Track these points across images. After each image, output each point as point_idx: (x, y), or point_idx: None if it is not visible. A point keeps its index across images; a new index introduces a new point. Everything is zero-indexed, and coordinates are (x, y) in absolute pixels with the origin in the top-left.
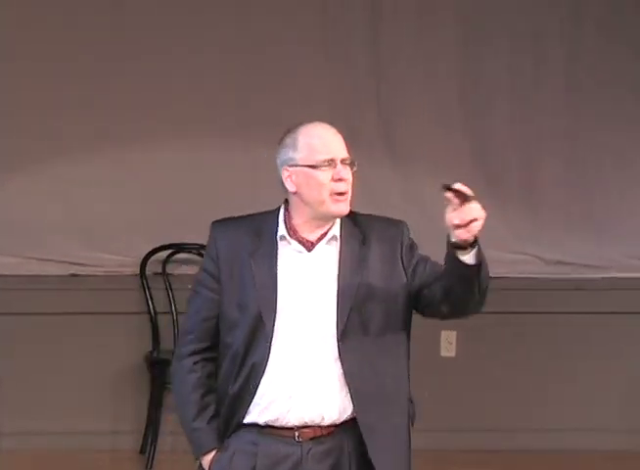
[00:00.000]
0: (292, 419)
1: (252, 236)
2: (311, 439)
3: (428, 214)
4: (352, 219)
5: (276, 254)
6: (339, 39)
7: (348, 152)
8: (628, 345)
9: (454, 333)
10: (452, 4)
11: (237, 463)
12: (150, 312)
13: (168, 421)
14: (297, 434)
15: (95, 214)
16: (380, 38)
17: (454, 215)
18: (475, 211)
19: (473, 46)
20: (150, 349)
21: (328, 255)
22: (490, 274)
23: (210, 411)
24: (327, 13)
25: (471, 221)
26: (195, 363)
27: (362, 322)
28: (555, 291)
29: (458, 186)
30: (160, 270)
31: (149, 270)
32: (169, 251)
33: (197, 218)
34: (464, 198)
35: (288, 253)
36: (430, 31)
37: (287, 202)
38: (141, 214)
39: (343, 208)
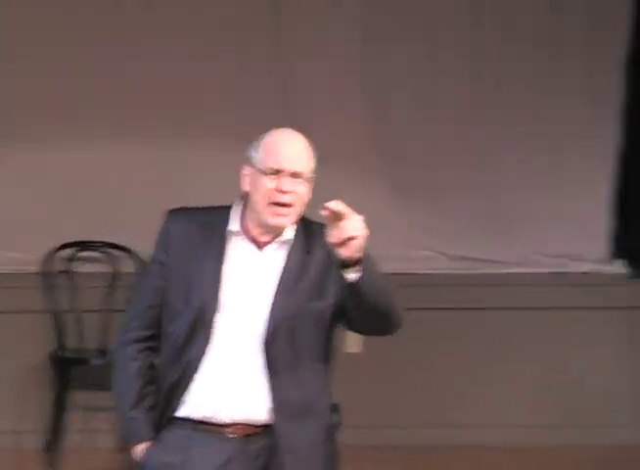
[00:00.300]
0: (223, 417)
1: (205, 228)
2: (245, 436)
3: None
4: (305, 226)
5: (226, 249)
6: (242, 38)
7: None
8: (533, 340)
9: None
10: None
11: (169, 456)
12: (54, 311)
13: (73, 420)
14: (230, 430)
15: None
16: (282, 33)
17: (331, 234)
18: (351, 229)
19: (376, 42)
20: (54, 347)
21: (275, 259)
22: (396, 271)
23: (148, 402)
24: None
25: (348, 239)
26: (139, 352)
27: (291, 330)
28: (459, 286)
29: (332, 205)
30: (64, 268)
31: (53, 268)
32: (74, 248)
33: (102, 216)
34: (339, 216)
35: (238, 250)
36: (332, 27)
37: (245, 198)
38: (45, 212)
39: (281, 221)
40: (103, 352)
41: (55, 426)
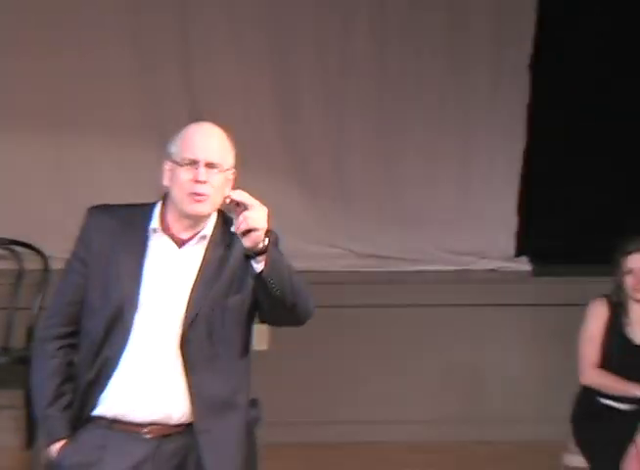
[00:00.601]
0: (140, 416)
1: (126, 226)
2: (160, 436)
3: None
4: (224, 221)
5: (146, 246)
6: (149, 36)
7: (224, 158)
8: (439, 337)
9: (265, 326)
10: None
11: (83, 456)
12: None
13: None
14: (145, 430)
15: None
16: (189, 32)
17: (234, 224)
18: (251, 220)
19: (282, 41)
20: None
21: (195, 254)
22: (304, 268)
23: (66, 400)
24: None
25: (249, 230)
26: (58, 349)
27: (207, 324)
28: (367, 284)
29: (234, 195)
30: None
31: None
32: None
33: (6, 213)
34: (243, 207)
35: (158, 247)
36: (240, 24)
37: (166, 195)
38: None
39: (199, 208)
40: (6, 350)
41: None
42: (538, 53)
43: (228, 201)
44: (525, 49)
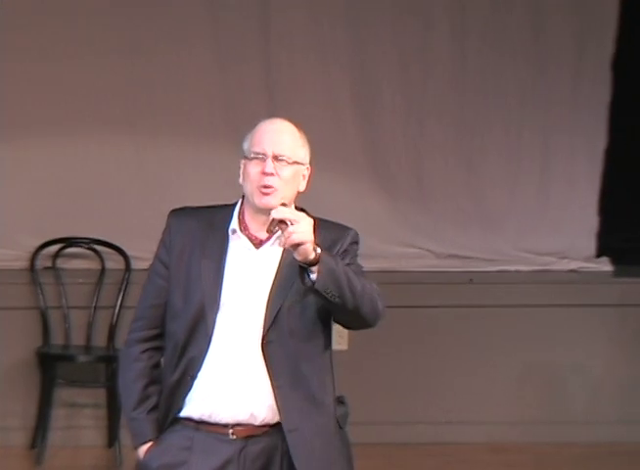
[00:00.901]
0: (225, 416)
1: (206, 227)
2: (246, 437)
3: (321, 209)
4: None
5: (226, 248)
6: (230, 36)
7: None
8: (519, 337)
9: None
10: None
11: (170, 457)
12: (40, 307)
13: (59, 416)
14: (231, 431)
15: None
16: (270, 32)
17: (280, 242)
18: (295, 235)
19: (364, 41)
20: (40, 344)
21: (272, 254)
22: (384, 269)
23: (152, 402)
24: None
25: (297, 245)
26: (142, 352)
27: (288, 324)
28: (447, 284)
29: (275, 214)
30: (50, 264)
31: (39, 265)
32: (60, 245)
33: (87, 212)
34: (284, 224)
35: (237, 248)
36: (321, 26)
37: (244, 195)
38: (31, 209)
39: (267, 200)
40: (88, 349)
41: (40, 423)
42: (620, 51)
43: (272, 221)
44: (607, 47)
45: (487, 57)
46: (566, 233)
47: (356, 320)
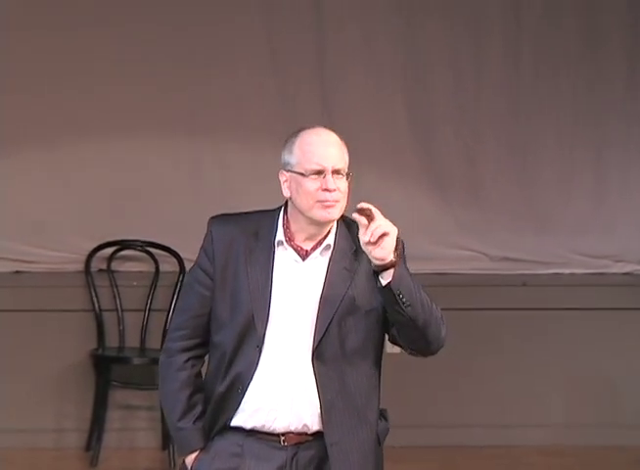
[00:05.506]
0: (277, 427)
1: (250, 236)
2: (296, 444)
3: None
4: (348, 229)
5: (272, 258)
6: (285, 46)
7: (347, 161)
8: (573, 340)
9: None
10: None
11: (221, 463)
12: (95, 309)
13: (113, 418)
14: (282, 438)
15: (39, 212)
16: (324, 36)
17: (363, 233)
18: (382, 226)
19: (415, 42)
20: (95, 346)
21: (320, 265)
22: (438, 271)
23: (197, 412)
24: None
25: (381, 237)
26: (185, 361)
27: (339, 337)
28: (500, 287)
29: (361, 205)
30: (104, 267)
31: (93, 267)
32: (114, 247)
33: (141, 215)
34: (370, 215)
35: (283, 259)
36: (373, 31)
37: (287, 204)
38: (85, 211)
39: (328, 214)
40: (143, 351)
41: (95, 424)
42: None
43: (355, 215)
44: None
45: (541, 69)
46: (620, 236)
47: (420, 339)
